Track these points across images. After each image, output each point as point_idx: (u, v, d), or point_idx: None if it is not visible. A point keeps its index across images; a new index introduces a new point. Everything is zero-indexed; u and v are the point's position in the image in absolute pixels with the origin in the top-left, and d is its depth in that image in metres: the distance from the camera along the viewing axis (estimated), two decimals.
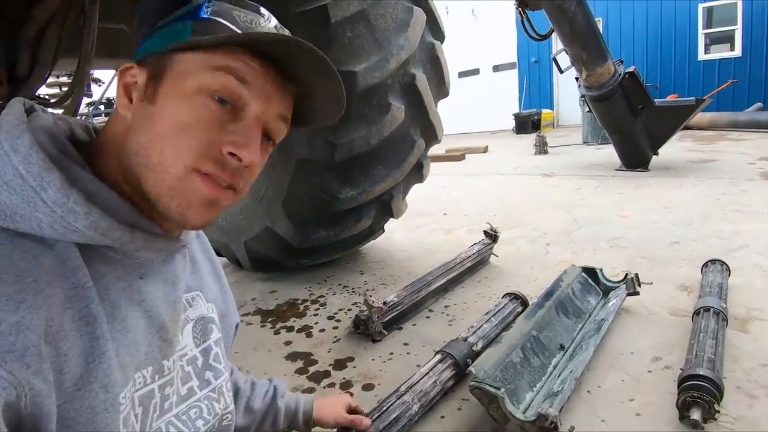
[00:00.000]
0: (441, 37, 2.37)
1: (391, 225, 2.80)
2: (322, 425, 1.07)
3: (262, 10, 0.60)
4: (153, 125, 0.53)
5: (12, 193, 0.46)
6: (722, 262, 1.91)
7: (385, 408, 1.20)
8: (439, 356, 1.44)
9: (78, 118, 0.65)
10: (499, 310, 1.73)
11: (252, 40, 0.53)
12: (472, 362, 1.41)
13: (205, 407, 0.69)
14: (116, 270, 0.55)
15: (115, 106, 0.57)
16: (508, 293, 1.85)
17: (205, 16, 0.55)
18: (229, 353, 0.80)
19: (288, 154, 1.98)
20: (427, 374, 1.35)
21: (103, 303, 0.52)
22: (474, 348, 1.49)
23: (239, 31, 0.54)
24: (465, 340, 1.52)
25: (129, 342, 0.55)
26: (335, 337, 1.86)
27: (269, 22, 0.59)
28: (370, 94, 1.97)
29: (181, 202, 0.53)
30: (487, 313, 1.70)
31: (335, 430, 1.09)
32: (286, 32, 0.60)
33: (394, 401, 1.22)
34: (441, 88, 2.40)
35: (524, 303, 1.81)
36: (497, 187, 4.77)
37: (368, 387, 1.50)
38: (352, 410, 1.12)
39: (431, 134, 2.34)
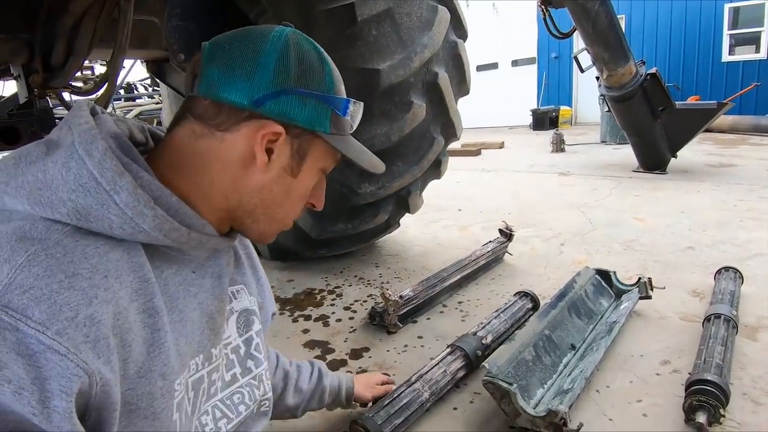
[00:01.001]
0: (464, 35, 2.40)
1: (406, 219, 2.85)
2: (360, 400, 1.23)
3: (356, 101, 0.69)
4: (288, 196, 0.66)
5: (87, 195, 0.50)
6: (735, 269, 1.92)
7: (396, 395, 1.26)
8: (449, 349, 1.49)
9: (134, 120, 0.69)
10: (509, 306, 1.77)
11: (367, 166, 0.70)
12: (482, 355, 1.49)
13: (247, 393, 0.75)
14: (173, 266, 0.60)
15: (227, 137, 0.60)
16: (518, 292, 1.89)
17: (345, 115, 0.65)
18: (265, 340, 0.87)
19: None
20: (437, 365, 1.41)
21: (164, 296, 0.57)
22: (483, 342, 1.54)
23: (353, 128, 0.68)
24: (475, 334, 1.57)
25: (187, 332, 0.60)
26: (351, 327, 1.92)
27: (360, 111, 0.69)
28: (393, 92, 2.01)
29: (258, 237, 0.70)
30: (497, 310, 1.74)
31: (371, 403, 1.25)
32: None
33: (405, 389, 1.29)
34: (462, 86, 2.43)
35: (534, 301, 1.85)
36: (513, 184, 4.78)
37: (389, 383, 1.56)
38: (384, 383, 1.31)
39: (450, 131, 2.38)
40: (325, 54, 0.64)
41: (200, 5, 1.98)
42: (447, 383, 1.39)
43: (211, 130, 0.59)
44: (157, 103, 9.21)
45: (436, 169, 2.45)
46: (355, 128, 0.69)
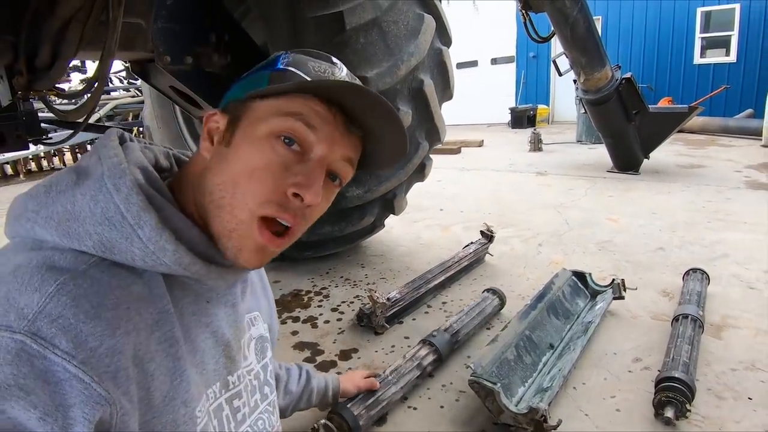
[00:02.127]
0: (448, 42, 2.45)
1: (390, 220, 2.90)
2: (346, 396, 1.30)
3: (335, 60, 0.64)
4: (227, 167, 0.57)
5: (113, 228, 0.51)
6: (703, 271, 2.04)
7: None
8: (420, 344, 1.62)
9: (160, 146, 0.70)
10: (477, 304, 1.91)
11: (319, 87, 0.58)
12: (452, 349, 1.66)
13: (266, 419, 0.77)
14: (189, 295, 0.61)
15: (198, 147, 0.63)
16: (487, 289, 2.03)
17: (282, 66, 0.60)
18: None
19: None
20: (410, 359, 1.53)
21: (180, 325, 0.58)
22: (453, 336, 1.69)
23: (309, 80, 0.59)
24: (445, 330, 1.69)
25: (198, 361, 0.61)
26: (339, 328, 1.98)
27: (341, 72, 0.63)
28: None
29: (236, 244, 0.57)
30: (467, 307, 1.88)
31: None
32: (357, 81, 0.64)
33: (380, 382, 1.39)
34: (446, 92, 2.49)
35: (501, 298, 2.00)
36: (492, 184, 4.89)
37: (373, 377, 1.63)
38: (368, 377, 1.39)
39: (435, 136, 2.44)
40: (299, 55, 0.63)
41: (186, 8, 1.99)
42: (418, 376, 1.50)
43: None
44: (133, 96, 9.03)
45: (420, 173, 2.52)
46: (329, 74, 0.61)
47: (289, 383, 1.12)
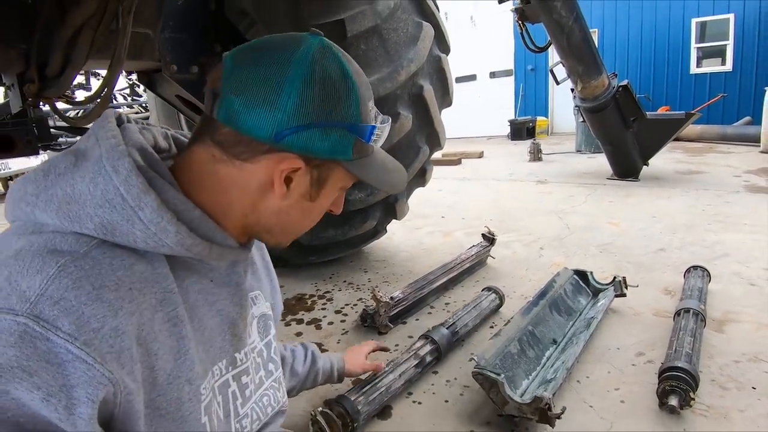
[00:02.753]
0: (447, 50, 2.51)
1: (391, 226, 2.92)
2: (351, 376, 1.32)
3: (379, 113, 0.68)
4: (306, 216, 0.67)
5: (113, 210, 0.52)
6: (703, 268, 2.06)
7: (373, 379, 1.40)
8: (422, 340, 1.64)
9: (158, 127, 0.70)
10: (476, 301, 1.94)
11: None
12: (451, 344, 1.69)
13: (272, 395, 0.79)
14: (192, 275, 0.62)
15: (241, 165, 0.60)
16: (486, 287, 2.06)
17: (369, 142, 0.63)
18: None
19: None
20: (411, 354, 1.55)
21: (185, 305, 0.59)
22: (453, 331, 1.71)
23: (377, 145, 0.67)
24: (445, 326, 1.71)
25: (205, 339, 0.62)
26: (343, 329, 1.99)
27: (386, 131, 0.68)
28: (381, 104, 2.10)
29: (279, 244, 0.71)
30: (466, 305, 1.91)
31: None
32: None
33: (381, 374, 1.42)
34: (445, 98, 2.54)
35: (499, 296, 2.02)
36: (493, 192, 4.92)
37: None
38: (372, 350, 1.43)
39: (435, 141, 2.48)
40: (353, 71, 0.60)
41: (193, 18, 2.05)
42: (416, 365, 1.52)
43: (230, 158, 0.59)
44: (137, 113, 9.15)
45: (421, 177, 2.55)
46: (380, 145, 0.68)
47: (294, 364, 1.13)
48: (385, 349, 1.51)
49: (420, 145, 2.35)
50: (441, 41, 2.46)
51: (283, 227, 0.66)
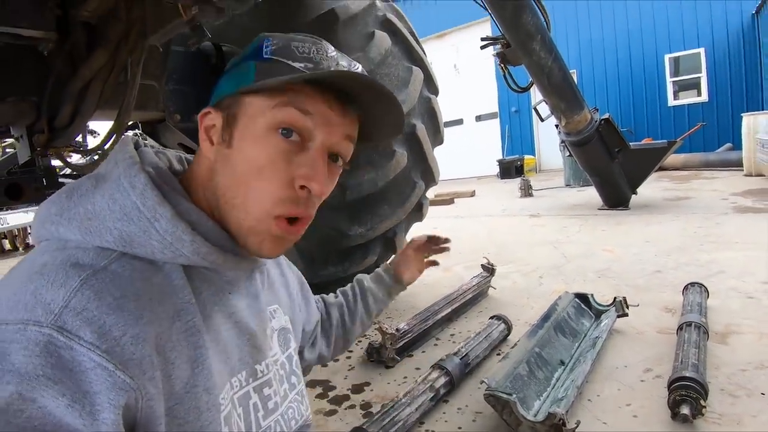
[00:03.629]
0: (435, 91, 2.65)
1: None
2: (411, 279, 1.13)
3: (318, 39, 0.63)
4: (233, 168, 0.58)
5: (131, 223, 0.54)
6: (701, 284, 2.10)
7: (389, 408, 1.39)
8: (433, 369, 1.64)
9: (174, 150, 0.72)
10: (485, 330, 1.96)
11: (312, 79, 0.57)
12: (463, 373, 1.67)
13: (295, 408, 0.78)
14: (210, 287, 0.62)
15: (199, 147, 0.63)
16: (493, 316, 2.07)
17: (267, 56, 0.59)
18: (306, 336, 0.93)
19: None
20: (423, 383, 1.55)
21: (202, 315, 0.59)
22: (465, 361, 1.71)
23: (298, 66, 0.58)
24: (456, 354, 1.71)
25: (221, 350, 0.62)
26: (350, 365, 1.98)
27: (328, 51, 0.62)
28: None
29: (256, 240, 0.60)
30: (476, 334, 1.91)
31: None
32: (344, 60, 0.63)
33: (395, 405, 1.41)
34: (437, 136, 2.65)
35: (507, 324, 2.03)
36: (487, 228, 4.99)
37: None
38: (423, 248, 1.17)
39: (430, 177, 2.56)
40: (293, 37, 0.61)
41: (196, 71, 2.16)
42: (432, 398, 1.51)
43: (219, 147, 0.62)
44: None
45: (418, 212, 2.61)
46: (312, 63, 0.59)
47: (347, 304, 1.05)
48: (442, 240, 1.20)
49: (415, 180, 2.43)
50: (430, 84, 2.60)
51: (225, 199, 0.60)
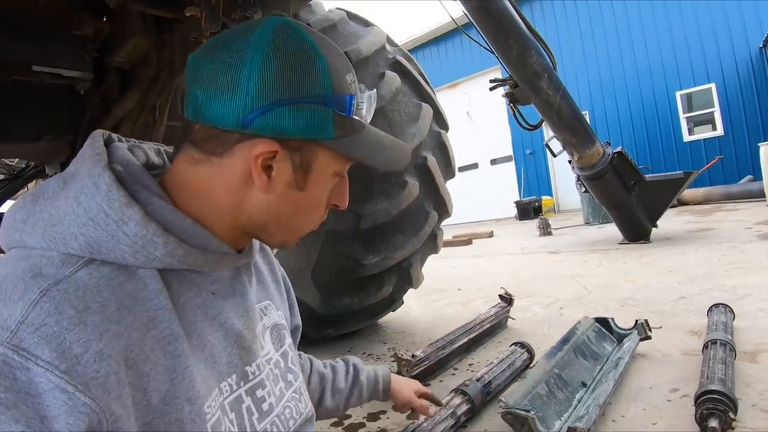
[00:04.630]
0: (445, 126, 2.74)
1: (408, 300, 2.95)
2: (396, 399, 1.13)
3: (370, 93, 0.64)
4: (296, 205, 0.61)
5: (97, 228, 0.51)
6: (725, 305, 2.04)
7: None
8: (453, 393, 1.60)
9: (152, 142, 0.69)
10: (507, 356, 1.91)
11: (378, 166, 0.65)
12: (485, 399, 1.63)
13: (293, 407, 0.75)
14: (191, 289, 0.59)
15: (209, 160, 0.58)
16: (515, 342, 2.02)
17: (349, 114, 0.59)
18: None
19: (318, 228, 2.24)
20: (444, 408, 1.50)
21: (181, 321, 0.55)
22: (486, 387, 1.67)
23: (365, 123, 0.63)
24: (478, 380, 1.68)
25: (206, 356, 0.59)
26: None
27: (373, 101, 0.64)
28: (390, 174, 2.27)
29: (281, 245, 0.68)
30: (497, 359, 1.88)
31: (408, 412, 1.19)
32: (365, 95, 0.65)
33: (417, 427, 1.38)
34: (448, 169, 2.72)
35: (529, 351, 1.98)
36: (507, 265, 4.94)
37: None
38: (421, 395, 1.19)
39: (443, 208, 2.60)
40: (321, 44, 0.57)
41: None
42: (453, 425, 1.46)
43: (207, 156, 0.57)
44: None
45: (433, 243, 2.63)
46: (369, 120, 0.64)
47: (336, 382, 1.03)
48: (436, 402, 1.29)
49: (428, 210, 2.48)
50: (439, 119, 2.70)
51: (278, 223, 0.62)
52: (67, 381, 0.43)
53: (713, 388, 1.29)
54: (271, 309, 0.77)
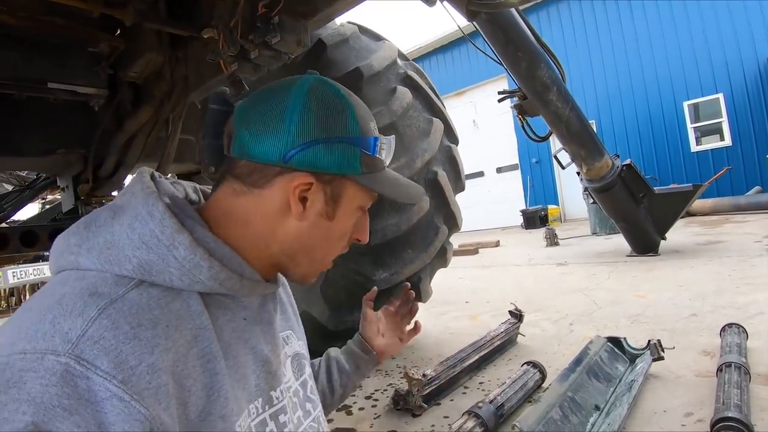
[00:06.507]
0: (456, 141, 2.75)
1: (417, 313, 2.92)
2: (388, 350, 0.99)
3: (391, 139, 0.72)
4: (325, 235, 0.67)
5: (150, 251, 0.55)
6: (738, 325, 2.02)
7: None
8: (466, 416, 1.58)
9: (188, 181, 0.76)
10: (519, 377, 1.89)
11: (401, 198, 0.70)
12: (498, 421, 1.60)
13: None
14: (227, 313, 0.63)
15: (252, 193, 0.64)
16: (526, 362, 2.00)
17: (374, 153, 0.66)
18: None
19: None
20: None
21: (219, 342, 0.59)
22: (498, 408, 1.65)
23: (385, 164, 0.69)
24: (491, 402, 1.65)
25: (239, 377, 0.62)
26: (375, 414, 1.94)
27: (392, 146, 0.71)
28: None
29: (303, 277, 0.72)
30: (510, 379, 1.85)
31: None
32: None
33: None
34: (458, 183, 2.72)
35: (541, 371, 1.96)
36: (514, 276, 4.92)
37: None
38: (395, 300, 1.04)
39: (452, 222, 2.60)
40: (349, 96, 0.66)
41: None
42: None
43: (249, 188, 0.64)
44: None
45: (442, 257, 2.62)
46: (389, 161, 0.72)
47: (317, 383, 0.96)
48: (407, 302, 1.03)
49: (438, 224, 2.47)
50: (450, 134, 2.70)
51: (306, 252, 0.68)
52: (124, 390, 0.47)
53: (730, 415, 1.27)
54: (292, 338, 0.81)
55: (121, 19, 1.38)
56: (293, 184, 0.62)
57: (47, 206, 3.58)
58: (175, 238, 0.56)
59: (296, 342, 0.81)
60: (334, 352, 1.04)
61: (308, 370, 0.82)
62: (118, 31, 1.70)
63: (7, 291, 7.46)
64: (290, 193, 0.63)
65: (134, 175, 0.64)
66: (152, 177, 0.66)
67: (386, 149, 0.69)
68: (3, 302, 7.61)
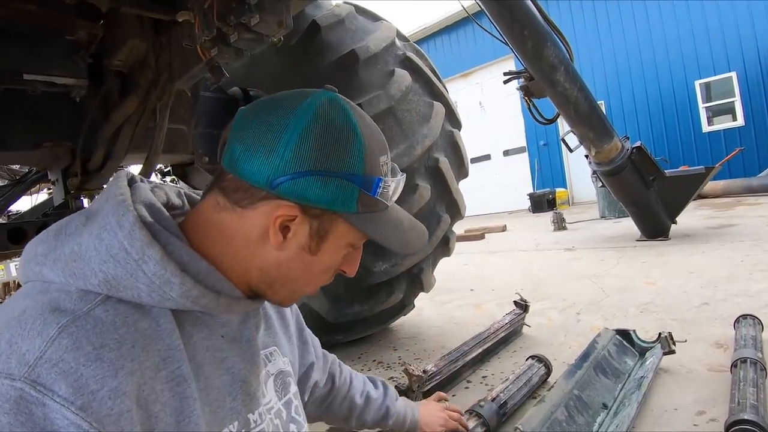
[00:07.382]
0: (458, 125, 2.64)
1: (420, 302, 2.87)
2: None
3: (399, 172, 0.68)
4: (305, 268, 0.63)
5: (117, 265, 0.52)
6: (754, 316, 1.93)
7: None
8: (467, 415, 1.50)
9: (173, 185, 0.72)
10: (524, 372, 1.81)
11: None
12: (500, 420, 1.54)
13: None
14: (202, 331, 0.60)
15: (235, 212, 0.60)
16: (531, 356, 1.93)
17: (375, 195, 0.61)
18: (306, 392, 0.90)
19: None
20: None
21: (191, 363, 0.56)
22: (501, 407, 1.58)
23: (388, 204, 0.64)
24: (492, 399, 1.58)
25: (212, 399, 0.59)
26: None
27: (401, 185, 0.67)
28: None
29: (281, 301, 0.69)
30: (513, 375, 1.78)
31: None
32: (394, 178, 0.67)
33: None
34: (461, 169, 2.63)
35: (546, 365, 1.88)
36: (520, 263, 4.84)
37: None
38: (449, 415, 1.25)
39: (455, 210, 2.52)
40: (362, 125, 0.60)
41: (224, 114, 2.23)
42: None
43: (232, 205, 0.60)
44: None
45: (445, 246, 2.55)
46: (394, 200, 0.66)
47: (364, 414, 1.07)
48: (457, 411, 1.32)
49: (440, 213, 2.39)
50: (452, 118, 2.60)
51: (283, 282, 0.64)
52: (83, 418, 0.44)
53: (746, 417, 1.20)
54: (276, 355, 0.77)
55: (96, 3, 1.30)
56: (276, 213, 0.58)
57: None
58: (145, 252, 0.52)
59: (281, 359, 0.78)
60: (391, 420, 1.09)
61: (294, 388, 0.79)
62: (101, 20, 1.62)
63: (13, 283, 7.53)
64: (271, 221, 0.59)
65: (111, 178, 0.61)
66: (131, 181, 0.62)
67: (392, 188, 0.64)
68: (8, 295, 7.68)
